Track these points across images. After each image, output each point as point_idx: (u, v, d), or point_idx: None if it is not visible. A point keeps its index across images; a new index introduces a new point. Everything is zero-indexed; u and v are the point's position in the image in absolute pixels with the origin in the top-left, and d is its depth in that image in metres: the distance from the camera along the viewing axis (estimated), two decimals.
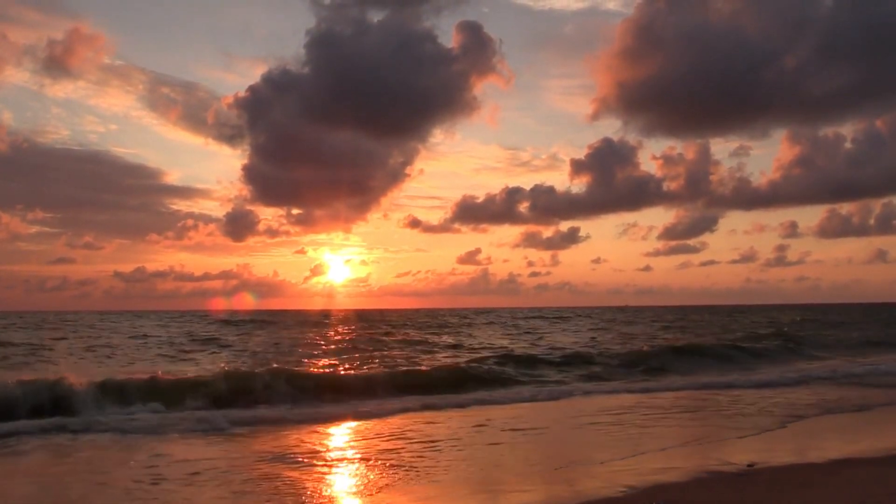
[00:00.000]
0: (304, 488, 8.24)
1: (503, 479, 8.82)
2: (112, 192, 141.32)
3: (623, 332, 44.08)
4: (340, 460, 9.99)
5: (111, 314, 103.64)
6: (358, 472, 9.23)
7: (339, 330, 50.24)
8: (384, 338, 39.02)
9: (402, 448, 10.63)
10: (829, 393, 17.22)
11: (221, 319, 67.31)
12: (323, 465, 9.57)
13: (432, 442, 11.21)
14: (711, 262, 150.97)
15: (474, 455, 10.29)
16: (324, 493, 8.09)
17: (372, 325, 58.88)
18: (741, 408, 14.89)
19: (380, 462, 9.67)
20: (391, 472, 9.09)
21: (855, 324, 55.02)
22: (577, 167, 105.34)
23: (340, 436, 12.19)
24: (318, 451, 10.56)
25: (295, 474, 8.93)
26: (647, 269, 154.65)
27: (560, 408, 15.73)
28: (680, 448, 10.80)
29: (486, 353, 26.93)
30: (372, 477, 8.83)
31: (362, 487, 8.37)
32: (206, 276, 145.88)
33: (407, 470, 9.16)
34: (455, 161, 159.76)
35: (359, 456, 10.23)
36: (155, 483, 8.42)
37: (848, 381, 19.85)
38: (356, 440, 11.67)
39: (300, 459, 9.88)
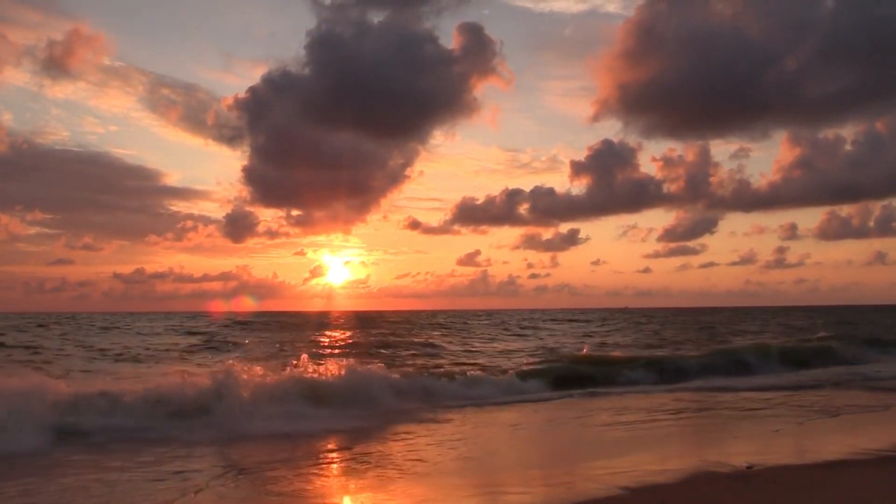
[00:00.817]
0: (296, 489, 8.23)
1: (502, 478, 8.81)
2: (111, 194, 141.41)
3: (656, 333, 44.09)
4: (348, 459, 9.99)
5: (110, 315, 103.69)
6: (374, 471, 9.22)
7: (375, 331, 49.61)
8: (446, 340, 38.09)
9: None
10: (832, 394, 17.16)
11: (241, 321, 67.02)
12: (325, 465, 9.59)
13: (430, 442, 11.21)
14: (711, 264, 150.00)
15: (472, 453, 10.28)
16: (318, 493, 8.07)
17: (397, 326, 58.40)
18: (743, 409, 14.84)
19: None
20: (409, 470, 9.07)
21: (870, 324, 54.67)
22: (577, 169, 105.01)
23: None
24: (323, 453, 10.55)
25: (294, 473, 8.93)
26: (647, 270, 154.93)
27: (566, 407, 15.68)
28: (680, 449, 10.77)
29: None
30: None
31: (370, 487, 8.36)
32: (206, 278, 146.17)
33: (402, 471, 9.15)
34: (455, 163, 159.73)
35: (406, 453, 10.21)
36: None
37: (851, 383, 19.77)
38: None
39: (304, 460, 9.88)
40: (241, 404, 13.51)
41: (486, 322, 66.21)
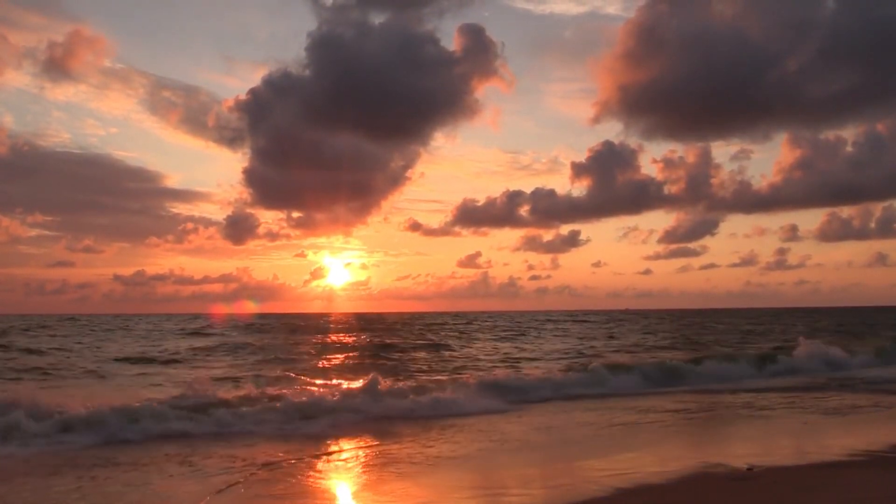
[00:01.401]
0: (293, 490, 8.19)
1: (502, 479, 8.78)
2: (112, 196, 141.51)
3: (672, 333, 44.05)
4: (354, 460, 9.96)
5: (111, 317, 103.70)
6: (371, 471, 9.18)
7: (390, 333, 49.38)
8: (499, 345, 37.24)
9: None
10: (833, 396, 17.11)
11: (250, 323, 66.87)
12: (324, 466, 9.56)
13: (430, 440, 11.17)
14: (712, 266, 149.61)
15: (472, 454, 10.26)
16: (314, 494, 8.03)
17: (411, 328, 58.20)
18: (743, 409, 14.80)
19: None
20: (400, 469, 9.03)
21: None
22: (578, 170, 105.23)
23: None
24: (322, 454, 10.53)
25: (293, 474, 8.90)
26: (648, 272, 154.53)
27: (566, 408, 15.62)
28: (680, 449, 10.73)
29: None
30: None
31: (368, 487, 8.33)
32: (206, 280, 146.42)
33: (401, 471, 9.12)
34: (456, 164, 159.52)
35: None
36: None
37: (852, 385, 19.70)
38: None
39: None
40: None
41: (501, 325, 65.76)
